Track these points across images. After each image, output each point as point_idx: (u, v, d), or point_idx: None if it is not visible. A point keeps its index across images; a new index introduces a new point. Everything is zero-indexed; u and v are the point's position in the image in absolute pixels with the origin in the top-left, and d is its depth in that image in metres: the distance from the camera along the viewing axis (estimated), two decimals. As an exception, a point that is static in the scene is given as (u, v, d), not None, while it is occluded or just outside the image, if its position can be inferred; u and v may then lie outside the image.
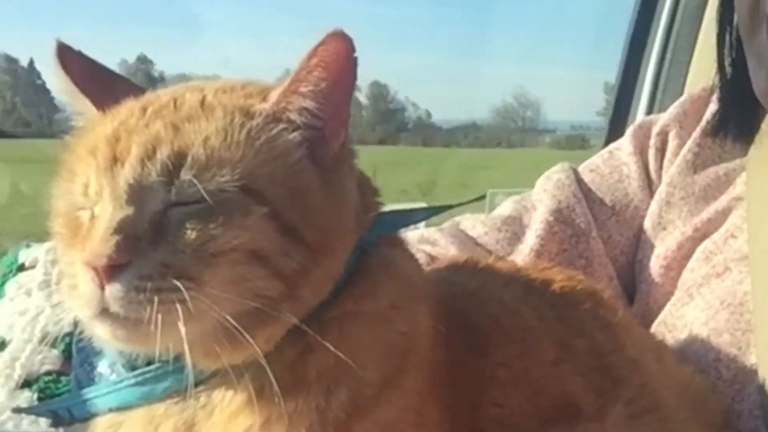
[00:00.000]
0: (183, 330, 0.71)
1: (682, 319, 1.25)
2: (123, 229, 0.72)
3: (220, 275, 0.72)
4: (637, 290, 1.39)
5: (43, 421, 0.94)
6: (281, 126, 0.78)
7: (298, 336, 0.77)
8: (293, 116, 0.78)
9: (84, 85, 0.84)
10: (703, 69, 1.93)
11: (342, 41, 0.76)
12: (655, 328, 1.29)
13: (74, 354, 0.89)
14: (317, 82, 0.77)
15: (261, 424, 0.76)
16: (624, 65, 2.14)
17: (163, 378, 0.79)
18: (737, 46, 1.25)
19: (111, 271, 0.71)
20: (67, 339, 1.00)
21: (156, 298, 0.70)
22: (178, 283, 0.71)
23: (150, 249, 0.72)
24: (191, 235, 0.72)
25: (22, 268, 1.20)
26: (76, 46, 0.85)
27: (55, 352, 1.03)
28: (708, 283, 1.24)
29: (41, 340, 1.03)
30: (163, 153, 0.74)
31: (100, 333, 0.75)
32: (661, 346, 1.19)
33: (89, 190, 0.77)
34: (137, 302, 0.71)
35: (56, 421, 0.89)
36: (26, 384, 1.01)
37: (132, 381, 0.81)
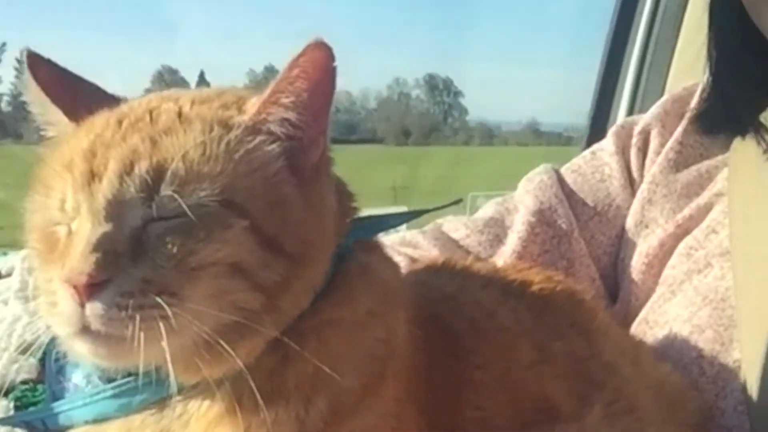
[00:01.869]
0: (165, 346, 0.70)
1: (664, 315, 1.25)
2: (102, 245, 0.71)
3: (202, 289, 0.72)
4: (620, 289, 1.39)
5: (21, 430, 0.93)
6: (260, 138, 0.77)
7: (276, 345, 0.76)
8: (273, 127, 0.78)
9: (55, 94, 0.83)
10: (683, 70, 1.94)
11: (322, 51, 0.76)
12: (637, 325, 1.29)
13: (47, 365, 0.88)
14: (299, 92, 0.77)
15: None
16: (604, 66, 2.14)
17: (140, 390, 0.78)
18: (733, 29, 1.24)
19: (91, 289, 0.70)
20: (44, 348, 0.99)
21: (138, 315, 0.70)
22: (160, 299, 0.70)
23: (130, 265, 0.71)
24: (172, 249, 0.72)
25: (-2, 276, 1.19)
26: (50, 50, 0.84)
27: (32, 360, 1.02)
28: (689, 279, 1.24)
29: (18, 349, 1.02)
30: (141, 168, 0.73)
31: (81, 350, 0.74)
32: (639, 346, 1.18)
33: (66, 205, 0.76)
34: (119, 320, 0.70)
35: (31, 430, 0.89)
36: (3, 393, 1.00)
37: (109, 393, 0.80)
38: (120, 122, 0.79)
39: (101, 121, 0.80)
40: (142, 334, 0.70)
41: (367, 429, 0.79)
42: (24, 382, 1.01)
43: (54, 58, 0.85)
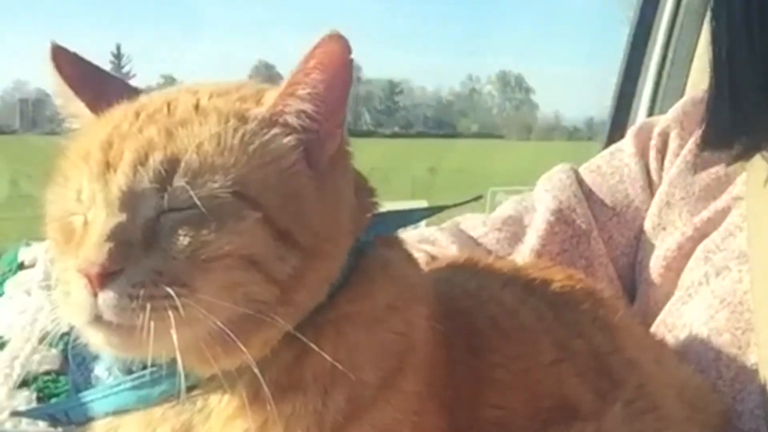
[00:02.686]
0: (175, 337, 0.71)
1: (682, 318, 1.25)
2: (116, 236, 0.72)
3: (214, 281, 0.72)
4: (638, 290, 1.39)
5: (42, 422, 0.94)
6: (276, 130, 0.78)
7: (294, 338, 0.76)
8: (290, 119, 0.78)
9: (78, 87, 0.83)
10: (704, 70, 1.92)
11: (339, 43, 0.76)
12: (655, 328, 1.29)
13: (70, 357, 0.89)
14: (314, 84, 0.77)
15: (257, 427, 0.76)
16: (625, 66, 2.13)
17: (159, 381, 0.79)
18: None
19: (103, 278, 0.71)
20: (67, 338, 1.00)
21: (149, 305, 0.70)
22: (171, 290, 0.70)
23: (142, 256, 0.72)
24: (183, 241, 0.72)
25: (21, 266, 1.20)
26: (71, 45, 0.85)
27: (54, 351, 1.03)
28: (707, 282, 1.24)
29: (40, 340, 1.03)
30: (155, 159, 0.74)
31: (94, 340, 0.75)
32: (661, 345, 1.19)
33: (82, 195, 0.77)
34: (130, 310, 0.71)
35: (54, 422, 0.89)
36: (25, 383, 1.00)
37: (129, 385, 0.81)
38: (138, 114, 0.79)
39: (120, 112, 0.81)
40: (152, 324, 0.70)
41: (388, 423, 0.79)
42: (46, 373, 1.02)
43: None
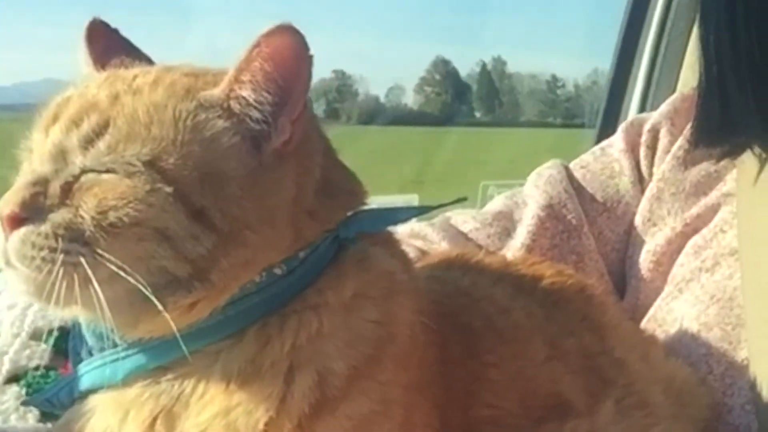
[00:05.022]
0: (78, 293, 0.72)
1: (672, 313, 1.25)
2: (35, 185, 0.74)
3: (121, 248, 0.73)
4: (628, 285, 1.40)
5: (31, 416, 0.94)
6: (216, 112, 0.77)
7: (260, 329, 0.78)
8: (232, 104, 0.78)
9: (99, 56, 0.86)
10: (695, 66, 1.93)
11: (286, 36, 0.76)
12: (646, 323, 1.29)
13: (71, 346, 0.89)
14: (254, 71, 0.77)
15: (222, 411, 0.76)
16: (616, 62, 2.14)
17: (124, 360, 0.80)
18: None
19: (12, 222, 0.73)
20: (56, 333, 1.00)
21: (50, 257, 0.72)
22: (70, 247, 0.72)
23: (53, 209, 0.73)
24: (93, 202, 0.73)
25: (10, 262, 1.19)
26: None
27: (44, 346, 1.02)
28: (697, 278, 1.25)
29: (30, 335, 1.03)
30: (90, 120, 0.75)
31: (11, 285, 0.77)
32: (649, 341, 1.19)
33: (32, 146, 0.79)
34: (30, 257, 0.72)
35: (45, 415, 0.90)
36: (15, 379, 1.00)
37: (98, 362, 0.82)
38: (107, 79, 0.80)
39: (98, 76, 0.82)
40: (55, 277, 0.72)
41: (364, 415, 0.78)
42: (35, 368, 1.02)
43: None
